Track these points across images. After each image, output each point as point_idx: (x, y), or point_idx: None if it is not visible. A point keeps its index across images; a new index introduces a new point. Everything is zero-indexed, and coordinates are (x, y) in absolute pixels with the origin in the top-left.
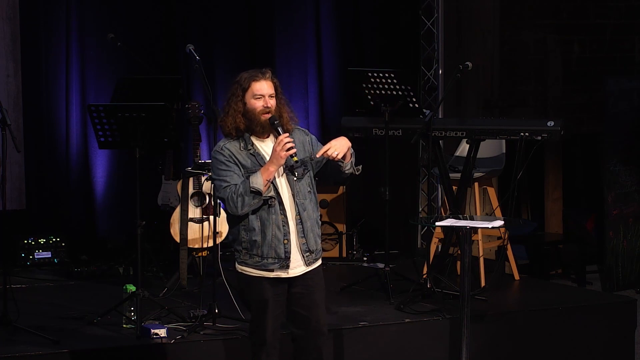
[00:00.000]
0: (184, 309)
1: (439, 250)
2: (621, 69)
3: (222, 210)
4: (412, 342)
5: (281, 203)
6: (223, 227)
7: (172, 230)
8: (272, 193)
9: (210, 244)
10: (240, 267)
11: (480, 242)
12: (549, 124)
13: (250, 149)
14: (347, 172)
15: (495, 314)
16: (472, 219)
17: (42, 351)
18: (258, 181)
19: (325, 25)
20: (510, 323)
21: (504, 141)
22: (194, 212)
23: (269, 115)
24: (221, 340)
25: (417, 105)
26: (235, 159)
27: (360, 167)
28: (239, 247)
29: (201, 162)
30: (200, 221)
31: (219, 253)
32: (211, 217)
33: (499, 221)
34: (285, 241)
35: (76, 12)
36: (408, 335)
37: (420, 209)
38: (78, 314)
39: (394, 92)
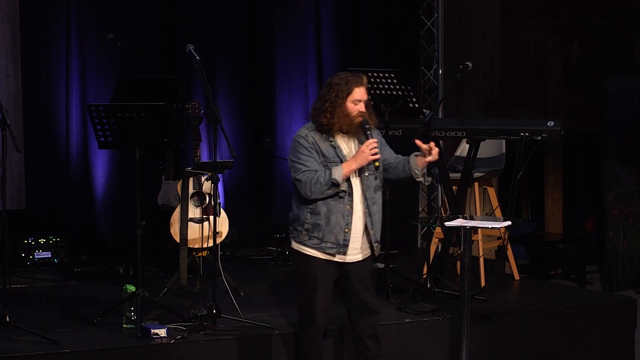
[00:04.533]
0: (184, 309)
1: (439, 250)
2: (621, 69)
3: (222, 210)
4: (412, 342)
5: (351, 195)
6: (223, 227)
7: (172, 230)
8: (344, 187)
9: (210, 244)
10: (297, 246)
11: (480, 242)
12: (549, 124)
13: (331, 141)
14: (417, 180)
15: (495, 314)
16: (472, 219)
17: (42, 351)
18: (339, 174)
19: (325, 25)
20: (510, 323)
21: (504, 141)
22: (194, 212)
23: (361, 119)
24: (221, 340)
25: (417, 105)
26: (317, 147)
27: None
28: (300, 227)
29: (201, 162)
30: (200, 221)
31: (219, 253)
32: (211, 217)
33: (507, 221)
34: (347, 230)
35: (76, 12)
36: (408, 335)
37: (420, 209)
38: (78, 314)
39: (394, 92)
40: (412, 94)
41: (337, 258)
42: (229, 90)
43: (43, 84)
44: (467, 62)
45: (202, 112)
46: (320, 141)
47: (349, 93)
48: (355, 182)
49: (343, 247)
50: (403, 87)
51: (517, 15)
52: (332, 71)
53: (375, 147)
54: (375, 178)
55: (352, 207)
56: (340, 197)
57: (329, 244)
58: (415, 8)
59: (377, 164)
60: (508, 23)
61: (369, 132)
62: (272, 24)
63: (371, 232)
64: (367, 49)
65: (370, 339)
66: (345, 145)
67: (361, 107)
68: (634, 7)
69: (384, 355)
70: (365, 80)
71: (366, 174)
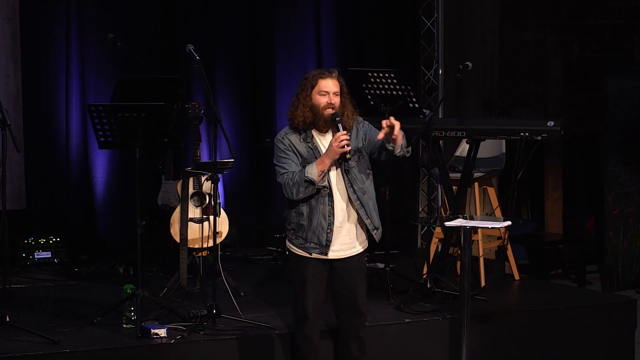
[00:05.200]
0: (184, 309)
1: (439, 250)
2: (621, 69)
3: (222, 210)
4: (412, 342)
5: (331, 195)
6: (223, 227)
7: (172, 230)
8: (325, 183)
9: (210, 244)
10: (288, 244)
11: (480, 242)
12: (549, 124)
13: (309, 142)
14: (398, 155)
15: (495, 314)
16: (472, 219)
17: (42, 351)
18: (313, 171)
19: (325, 25)
20: (510, 323)
21: (504, 141)
22: (194, 212)
23: (332, 111)
24: (221, 340)
25: (417, 105)
26: (294, 149)
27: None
28: (288, 226)
29: (201, 162)
30: (200, 221)
31: (219, 253)
32: (211, 217)
33: (507, 221)
34: (329, 230)
35: (76, 12)
36: (408, 335)
37: (420, 209)
38: (78, 314)
39: (394, 92)
40: (412, 94)
41: (323, 256)
42: (229, 90)
43: (43, 84)
44: (467, 62)
45: (202, 112)
46: (297, 143)
47: (314, 85)
48: (335, 181)
49: (325, 248)
50: (403, 87)
51: (517, 15)
52: None
53: (344, 140)
54: (359, 170)
55: (333, 208)
56: (322, 197)
57: (312, 244)
58: (415, 8)
59: (348, 156)
60: (508, 23)
61: (339, 124)
62: (272, 24)
63: (367, 221)
64: (367, 49)
65: (353, 340)
66: (324, 143)
67: (330, 98)
68: (634, 7)
69: (384, 355)
70: (335, 73)
71: (345, 168)
